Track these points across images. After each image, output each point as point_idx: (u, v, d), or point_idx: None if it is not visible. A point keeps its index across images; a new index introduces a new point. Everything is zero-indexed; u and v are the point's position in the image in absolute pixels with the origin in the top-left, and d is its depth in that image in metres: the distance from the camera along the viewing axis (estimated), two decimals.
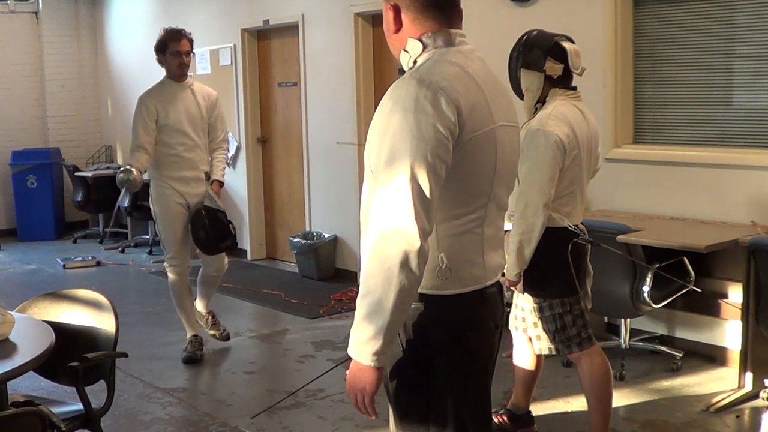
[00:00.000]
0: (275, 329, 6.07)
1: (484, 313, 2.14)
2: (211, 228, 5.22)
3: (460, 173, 2.01)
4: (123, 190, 5.29)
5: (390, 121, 1.96)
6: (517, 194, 3.39)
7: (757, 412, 4.24)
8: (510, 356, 3.93)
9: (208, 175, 5.29)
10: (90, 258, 8.57)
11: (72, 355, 3.06)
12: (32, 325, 3.11)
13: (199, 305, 5.54)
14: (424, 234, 1.91)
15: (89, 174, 9.70)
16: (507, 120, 2.14)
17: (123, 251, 9.06)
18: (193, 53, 5.29)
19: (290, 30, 7.86)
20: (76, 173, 9.79)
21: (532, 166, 3.36)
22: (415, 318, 2.06)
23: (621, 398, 4.35)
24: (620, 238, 4.43)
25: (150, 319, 5.88)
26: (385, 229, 1.91)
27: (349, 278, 7.11)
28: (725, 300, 4.77)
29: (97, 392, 3.22)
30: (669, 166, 5.12)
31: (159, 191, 5.19)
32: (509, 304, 3.34)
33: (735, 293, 4.66)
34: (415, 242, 1.89)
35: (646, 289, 4.55)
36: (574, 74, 3.54)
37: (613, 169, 5.31)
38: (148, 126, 5.06)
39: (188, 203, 5.21)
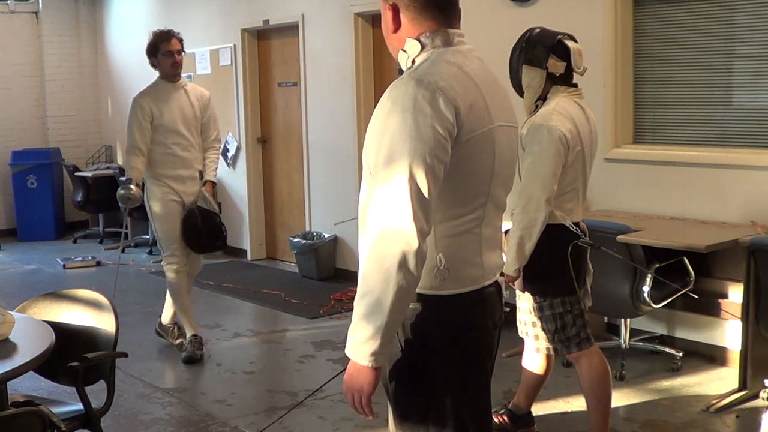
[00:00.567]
0: (275, 329, 6.07)
1: (483, 313, 2.14)
2: (203, 228, 5.29)
3: (459, 173, 2.01)
4: (122, 206, 5.33)
5: (388, 122, 1.96)
6: (519, 189, 3.38)
7: (757, 412, 4.24)
8: (510, 356, 3.92)
9: (201, 174, 5.35)
10: (90, 258, 8.58)
11: (72, 355, 3.06)
12: (32, 325, 3.11)
13: (166, 315, 5.55)
14: (422, 234, 1.90)
15: (89, 174, 9.70)
16: (505, 120, 2.14)
17: (123, 251, 9.06)
18: (184, 52, 5.34)
19: (290, 30, 7.86)
20: (76, 173, 9.79)
21: (535, 161, 3.35)
22: (413, 318, 2.06)
23: (621, 398, 4.35)
24: (620, 238, 4.43)
25: (150, 319, 5.88)
26: (384, 230, 1.91)
27: (349, 278, 7.11)
28: (725, 300, 4.76)
29: (97, 392, 3.22)
30: (669, 166, 5.12)
31: (155, 190, 5.23)
32: (508, 304, 3.34)
33: (735, 293, 4.66)
34: (413, 243, 1.89)
35: (646, 289, 4.55)
36: (576, 73, 3.54)
37: (613, 169, 5.31)
38: (143, 127, 5.13)
39: (184, 201, 5.27)
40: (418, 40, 2.09)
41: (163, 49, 5.17)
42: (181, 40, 5.28)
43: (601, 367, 3.59)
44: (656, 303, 4.60)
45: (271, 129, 8.41)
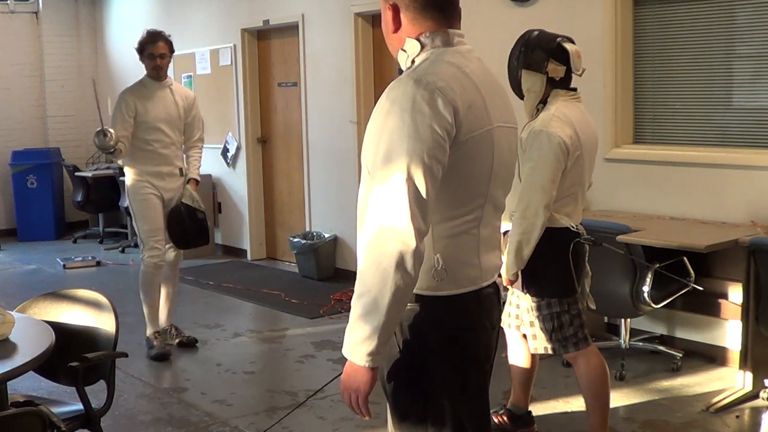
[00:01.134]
0: (275, 329, 6.07)
1: (481, 313, 2.14)
2: (188, 225, 5.42)
3: (457, 174, 2.01)
4: (97, 143, 5.30)
5: (387, 121, 1.95)
6: (519, 194, 3.40)
7: (757, 412, 4.24)
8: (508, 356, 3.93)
9: (182, 171, 5.46)
10: (90, 258, 8.58)
11: (72, 355, 3.06)
12: (32, 325, 3.11)
13: (161, 318, 5.61)
14: (419, 235, 1.90)
15: (89, 174, 9.70)
16: (504, 121, 2.14)
17: (123, 251, 9.06)
18: (173, 52, 5.43)
19: (290, 30, 7.86)
20: (76, 173, 9.79)
21: (535, 167, 3.36)
22: (411, 319, 2.05)
23: (621, 398, 4.36)
24: (620, 238, 4.43)
25: None
26: (381, 230, 1.91)
27: (349, 278, 7.11)
28: (725, 300, 4.76)
29: (97, 392, 3.22)
30: (669, 166, 5.12)
31: (136, 185, 5.34)
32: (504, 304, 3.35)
33: (735, 293, 4.65)
34: (410, 243, 1.89)
35: (646, 289, 4.55)
36: (575, 75, 3.54)
37: (613, 169, 5.31)
38: (126, 121, 5.24)
39: (163, 197, 5.37)
40: (418, 40, 2.09)
41: (147, 51, 5.33)
42: (169, 43, 5.40)
43: (599, 367, 3.60)
44: (656, 303, 4.60)
45: (271, 129, 8.41)
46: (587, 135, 3.48)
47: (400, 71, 2.13)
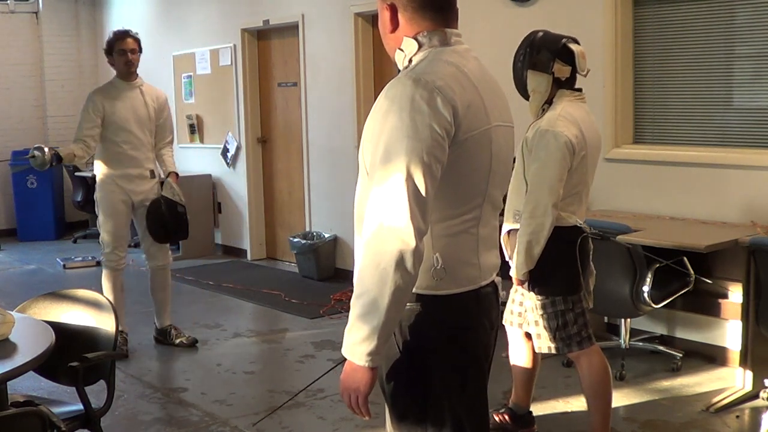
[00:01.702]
0: (275, 329, 6.07)
1: (480, 313, 2.14)
2: (168, 219, 5.40)
3: (456, 173, 2.00)
4: (29, 163, 5.34)
5: (385, 121, 1.95)
6: (526, 194, 3.40)
7: (757, 412, 4.24)
8: (509, 356, 3.93)
9: (152, 173, 5.44)
10: (90, 258, 8.57)
11: (72, 355, 3.06)
12: (32, 325, 3.11)
13: (160, 321, 5.61)
14: (419, 234, 1.90)
15: (89, 174, 9.66)
16: (502, 120, 2.14)
17: None
18: (140, 52, 5.42)
19: (290, 30, 7.86)
20: (76, 173, 9.78)
21: (542, 167, 3.37)
22: (410, 318, 2.05)
23: (621, 398, 4.35)
24: (620, 238, 4.43)
25: (150, 319, 5.87)
26: (381, 229, 1.90)
27: (349, 278, 7.05)
28: (725, 300, 4.76)
29: (97, 392, 3.22)
30: (669, 166, 5.12)
31: (103, 187, 5.34)
32: (504, 303, 3.35)
33: (735, 293, 4.65)
34: (410, 242, 1.88)
35: (646, 289, 4.55)
36: (579, 75, 3.55)
37: (613, 169, 5.31)
38: (92, 120, 5.24)
39: (132, 201, 5.36)
40: (416, 39, 2.09)
41: (117, 47, 5.30)
42: (138, 41, 5.39)
43: (601, 366, 3.60)
44: (656, 303, 4.60)
45: (271, 129, 8.41)
46: (591, 135, 3.49)
47: (400, 71, 2.13)
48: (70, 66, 10.61)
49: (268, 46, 8.32)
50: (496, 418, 3.93)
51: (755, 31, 4.86)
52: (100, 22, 10.69)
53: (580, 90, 3.56)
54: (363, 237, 1.97)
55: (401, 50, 2.12)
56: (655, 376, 4.73)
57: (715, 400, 4.32)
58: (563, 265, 3.50)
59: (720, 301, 4.79)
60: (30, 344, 2.86)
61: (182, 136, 9.19)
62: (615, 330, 5.20)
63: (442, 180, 1.96)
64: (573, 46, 3.51)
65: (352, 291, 2.00)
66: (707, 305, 4.85)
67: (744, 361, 4.41)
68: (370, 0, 6.86)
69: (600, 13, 5.30)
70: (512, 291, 3.71)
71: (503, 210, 3.54)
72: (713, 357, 4.91)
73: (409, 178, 1.90)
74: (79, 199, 9.74)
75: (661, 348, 5.01)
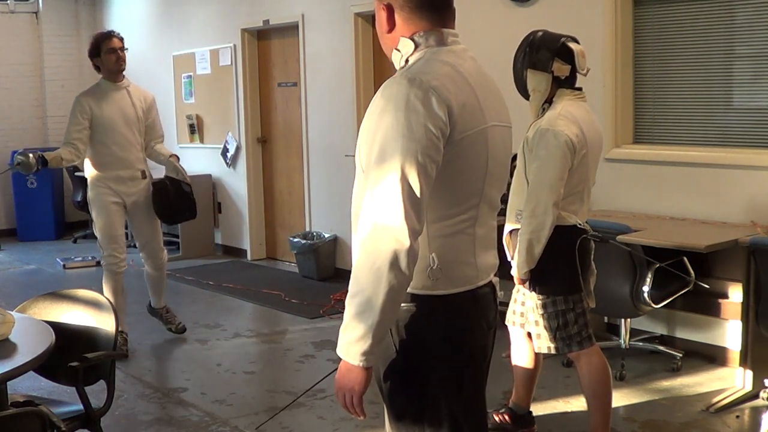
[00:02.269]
0: (275, 329, 6.07)
1: (477, 313, 2.14)
2: (173, 199, 5.43)
3: (452, 173, 2.00)
4: (12, 168, 5.42)
5: (381, 120, 1.95)
6: (527, 193, 3.40)
7: (757, 412, 4.24)
8: (509, 356, 3.93)
9: (143, 173, 5.44)
10: (90, 258, 8.57)
11: (72, 355, 3.06)
12: (32, 325, 3.11)
13: (154, 302, 5.76)
14: (414, 234, 1.90)
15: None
16: (499, 120, 2.13)
17: None
18: (127, 49, 5.44)
19: (290, 30, 7.86)
20: (76, 173, 9.74)
21: (542, 166, 3.37)
22: (407, 319, 2.05)
23: (621, 398, 4.35)
24: (620, 238, 4.43)
25: (150, 319, 5.88)
26: (375, 229, 1.90)
27: (349, 278, 7.09)
28: (725, 300, 4.76)
29: (97, 392, 3.22)
30: (669, 166, 5.12)
31: (95, 191, 5.33)
32: (503, 304, 3.34)
33: (735, 293, 4.66)
34: (404, 242, 1.88)
35: (646, 289, 4.55)
36: (579, 74, 3.55)
37: (613, 169, 5.31)
38: (80, 123, 5.23)
39: (124, 202, 5.36)
40: (412, 39, 2.09)
41: (106, 47, 5.29)
42: (122, 40, 5.40)
43: (601, 366, 3.60)
44: (656, 303, 4.60)
45: (271, 129, 8.41)
46: (592, 134, 3.49)
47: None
48: (70, 66, 10.61)
49: (268, 46, 8.32)
50: (496, 418, 3.93)
51: (755, 31, 4.86)
52: (100, 22, 10.68)
53: (580, 89, 3.56)
54: (358, 236, 1.97)
55: (398, 50, 2.12)
56: (655, 376, 4.73)
57: (715, 400, 4.32)
58: (563, 264, 3.50)
59: (720, 301, 4.79)
60: (30, 344, 2.86)
61: (182, 136, 9.20)
62: (615, 330, 5.20)
63: (437, 180, 1.96)
64: (572, 45, 3.51)
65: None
66: (707, 305, 4.85)
67: (744, 361, 4.41)
68: (370, 0, 6.86)
69: (600, 13, 5.30)
70: (514, 291, 3.71)
71: (502, 210, 3.54)
72: (713, 357, 4.91)
73: (404, 178, 1.90)
74: (79, 199, 9.72)
75: (661, 348, 5.01)
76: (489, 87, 2.14)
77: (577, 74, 3.55)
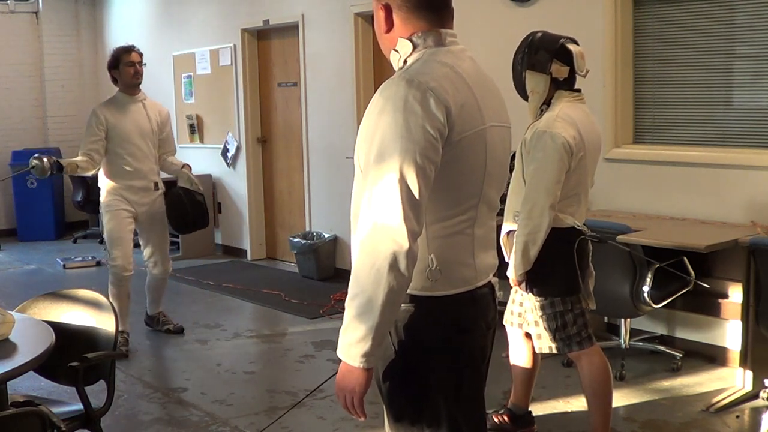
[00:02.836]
0: (275, 329, 6.07)
1: (476, 314, 2.14)
2: (189, 209, 5.55)
3: (450, 174, 2.00)
4: (30, 173, 5.43)
5: (379, 122, 1.95)
6: (523, 195, 3.40)
7: (757, 412, 4.24)
8: (508, 356, 3.93)
9: (156, 185, 5.56)
10: (90, 258, 8.58)
11: (72, 355, 3.06)
12: (32, 325, 3.11)
13: (150, 309, 5.88)
14: (412, 235, 1.90)
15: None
16: (498, 120, 2.13)
17: None
18: (145, 65, 5.62)
19: (290, 30, 7.86)
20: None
21: (539, 168, 3.37)
22: (406, 319, 2.05)
23: (621, 398, 4.35)
24: (620, 238, 4.43)
25: None
26: (374, 230, 1.90)
27: (349, 278, 7.10)
28: (725, 300, 4.76)
29: (97, 392, 3.22)
30: (669, 166, 5.12)
31: (108, 199, 5.45)
32: (502, 304, 3.35)
33: (735, 293, 4.66)
34: (403, 243, 1.88)
35: (646, 289, 4.55)
36: (579, 76, 3.55)
37: (613, 169, 5.31)
38: (96, 134, 5.35)
39: (136, 211, 5.48)
40: (410, 40, 2.09)
41: (125, 60, 5.44)
42: (141, 54, 5.55)
43: (601, 367, 3.60)
44: (656, 303, 4.60)
45: (271, 129, 8.41)
46: (591, 136, 3.48)
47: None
48: (70, 66, 10.61)
49: (268, 46, 8.32)
50: (496, 420, 3.93)
51: (755, 31, 4.86)
52: (100, 22, 10.69)
53: (579, 91, 3.56)
54: (357, 238, 1.97)
55: (396, 51, 2.12)
56: (655, 376, 4.73)
57: (715, 400, 4.32)
58: (561, 266, 3.50)
59: (720, 301, 4.79)
60: (30, 344, 2.86)
61: (182, 136, 9.19)
62: (615, 330, 5.20)
63: (436, 181, 1.96)
64: (571, 47, 3.50)
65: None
66: (707, 305, 4.85)
67: (744, 361, 4.41)
68: (369, 0, 6.84)
69: (600, 13, 5.30)
70: (512, 291, 3.72)
71: (501, 210, 3.54)
72: (713, 357, 4.91)
73: (402, 179, 1.89)
74: (79, 199, 9.74)
75: (661, 348, 5.01)
76: (488, 87, 2.13)
77: (577, 76, 3.55)
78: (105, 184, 5.47)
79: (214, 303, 6.80)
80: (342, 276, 7.30)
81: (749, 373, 4.39)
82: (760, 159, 4.76)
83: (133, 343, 5.56)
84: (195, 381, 4.96)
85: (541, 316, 3.55)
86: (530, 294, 3.56)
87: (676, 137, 5.25)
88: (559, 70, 3.48)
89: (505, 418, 3.95)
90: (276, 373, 5.21)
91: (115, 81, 5.52)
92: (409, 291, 1.99)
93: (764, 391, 4.26)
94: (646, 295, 4.56)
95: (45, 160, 5.23)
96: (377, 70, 7.15)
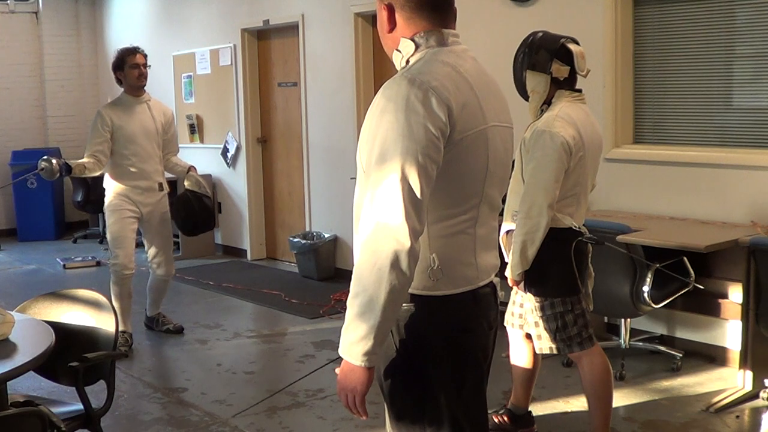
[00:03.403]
0: (275, 329, 6.07)
1: (477, 313, 2.14)
2: (197, 211, 5.59)
3: (452, 173, 2.00)
4: (39, 174, 5.45)
5: (381, 121, 1.95)
6: (522, 194, 3.40)
7: (757, 412, 4.24)
8: (509, 356, 3.93)
9: (161, 186, 5.60)
10: (90, 258, 8.58)
11: (72, 355, 3.06)
12: (32, 325, 3.11)
13: (150, 310, 5.90)
14: (414, 234, 1.90)
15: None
16: (500, 120, 2.13)
17: None
18: (149, 66, 5.62)
19: (290, 30, 7.86)
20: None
21: (538, 167, 3.36)
22: (407, 319, 2.05)
23: (621, 398, 4.35)
24: (620, 238, 4.43)
25: None
26: (376, 229, 1.90)
27: (349, 278, 7.05)
28: (725, 300, 4.76)
29: (97, 392, 3.22)
30: (669, 166, 5.12)
31: (113, 198, 5.46)
32: (503, 304, 3.34)
33: (735, 293, 4.66)
34: (405, 242, 1.88)
35: (646, 289, 4.55)
36: (579, 76, 3.54)
37: (613, 169, 5.31)
38: (102, 135, 5.38)
39: (140, 212, 5.50)
40: (413, 39, 2.09)
41: (130, 62, 5.46)
42: (146, 56, 5.56)
43: (602, 367, 3.60)
44: (656, 303, 4.60)
45: (271, 129, 8.41)
46: (591, 137, 3.48)
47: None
48: (70, 66, 10.61)
49: (268, 46, 8.32)
50: (495, 420, 3.93)
51: (755, 31, 4.86)
52: (100, 22, 10.69)
53: (579, 91, 3.56)
54: (359, 237, 1.97)
55: (398, 51, 2.12)
56: (655, 376, 4.73)
57: (715, 400, 4.32)
58: (559, 266, 3.50)
59: (720, 301, 4.79)
60: (30, 344, 2.86)
61: (182, 136, 9.17)
62: (615, 330, 5.20)
63: (438, 180, 1.96)
64: (572, 47, 3.51)
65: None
66: (707, 305, 4.85)
67: (744, 361, 4.41)
68: (369, 0, 6.86)
69: (600, 13, 5.30)
70: (512, 292, 3.71)
71: (503, 210, 3.54)
72: (713, 357, 4.92)
73: (404, 179, 1.90)
74: (79, 199, 9.74)
75: (661, 348, 5.01)
76: (490, 87, 2.14)
77: (578, 75, 3.55)
78: (110, 185, 5.48)
79: (214, 303, 6.80)
80: (342, 276, 7.30)
81: (749, 373, 4.39)
82: (760, 159, 4.76)
83: (134, 343, 5.56)
84: (195, 381, 4.96)
85: (541, 316, 3.55)
86: (529, 294, 3.56)
87: (676, 137, 5.25)
88: (560, 70, 3.48)
89: (505, 418, 3.95)
90: (276, 373, 5.21)
91: (119, 82, 5.54)
92: (410, 290, 1.99)
93: (764, 391, 4.27)
94: (646, 295, 4.56)
95: (54, 161, 5.27)
96: (377, 70, 7.15)
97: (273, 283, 7.36)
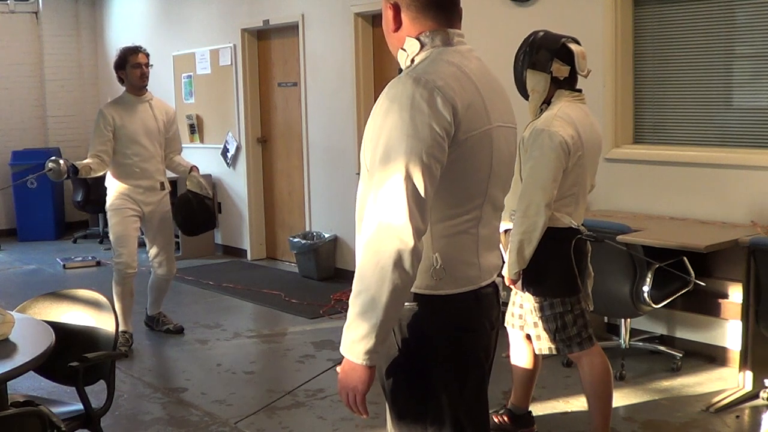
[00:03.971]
0: (275, 329, 6.07)
1: (480, 313, 2.14)
2: (198, 212, 5.59)
3: (456, 173, 2.01)
4: (47, 175, 5.45)
5: (386, 120, 1.95)
6: (520, 193, 3.40)
7: (757, 412, 4.24)
8: (509, 356, 3.93)
9: (162, 185, 5.60)
10: (90, 258, 8.58)
11: (72, 355, 3.06)
12: (32, 325, 3.11)
13: (151, 310, 5.91)
14: (418, 233, 1.90)
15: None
16: (504, 121, 2.13)
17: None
18: (151, 66, 5.61)
19: (290, 30, 7.86)
20: None
21: (536, 166, 3.36)
22: (409, 318, 2.06)
23: (621, 398, 4.35)
24: (620, 238, 4.43)
25: None
26: (380, 228, 1.91)
27: (349, 278, 7.02)
28: (725, 300, 4.76)
29: (97, 392, 3.22)
30: (669, 166, 5.12)
31: (114, 199, 5.48)
32: (505, 304, 3.35)
33: (735, 293, 4.66)
34: (408, 241, 1.89)
35: (646, 289, 4.55)
36: (580, 76, 3.54)
37: (613, 169, 5.31)
38: (104, 135, 5.38)
39: (142, 211, 5.51)
40: (418, 39, 2.10)
41: (132, 62, 5.46)
42: (148, 55, 5.56)
43: (602, 367, 3.60)
44: (656, 303, 4.60)
45: (271, 129, 8.41)
46: (590, 137, 3.48)
47: (401, 71, 2.13)
48: (70, 66, 10.61)
49: (268, 46, 8.32)
50: (496, 420, 3.93)
51: (755, 31, 4.86)
52: (100, 22, 10.69)
53: (580, 91, 3.56)
54: (362, 236, 1.97)
55: (404, 50, 2.12)
56: (655, 376, 4.73)
57: (715, 400, 4.32)
58: (557, 266, 3.50)
59: (720, 301, 4.79)
60: (30, 344, 2.86)
61: (182, 136, 9.14)
62: (615, 330, 5.20)
63: (442, 180, 1.97)
64: (572, 46, 3.51)
65: (351, 291, 2.00)
66: (707, 305, 4.85)
67: (744, 361, 4.41)
68: (370, 0, 6.86)
69: (600, 13, 5.30)
70: (513, 293, 3.71)
71: None
72: (713, 357, 4.92)
73: (408, 178, 1.90)
74: (79, 199, 9.74)
75: (661, 348, 5.01)
76: (494, 88, 2.14)
77: (578, 75, 3.55)
78: (112, 185, 5.48)
79: (214, 303, 6.80)
80: (342, 276, 7.30)
81: (749, 373, 4.39)
82: (760, 159, 4.76)
83: (134, 343, 5.56)
84: (195, 381, 4.96)
85: (541, 317, 3.55)
86: (529, 295, 3.56)
87: (676, 137, 5.25)
88: (560, 70, 3.49)
89: (505, 418, 3.95)
90: (276, 373, 5.21)
91: (121, 81, 5.53)
92: (413, 290, 2.00)
93: (764, 391, 4.27)
94: (646, 295, 4.56)
95: (61, 162, 5.28)
96: (377, 70, 7.15)
97: (273, 283, 7.36)
